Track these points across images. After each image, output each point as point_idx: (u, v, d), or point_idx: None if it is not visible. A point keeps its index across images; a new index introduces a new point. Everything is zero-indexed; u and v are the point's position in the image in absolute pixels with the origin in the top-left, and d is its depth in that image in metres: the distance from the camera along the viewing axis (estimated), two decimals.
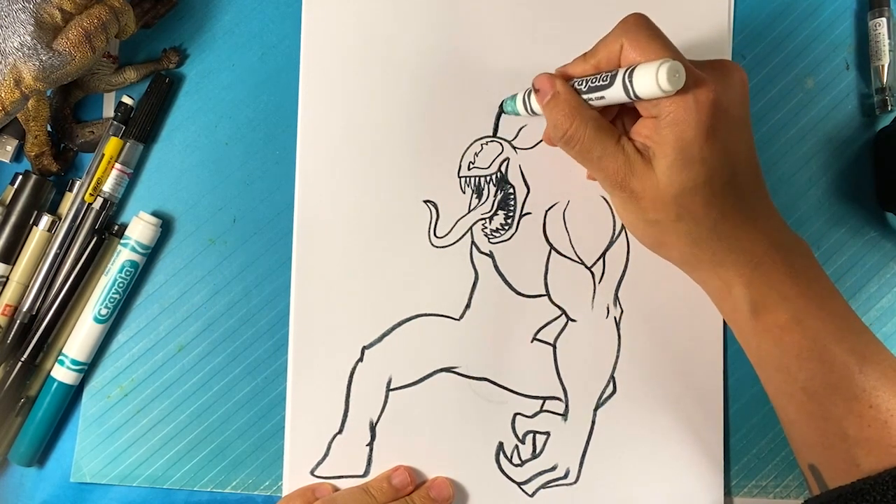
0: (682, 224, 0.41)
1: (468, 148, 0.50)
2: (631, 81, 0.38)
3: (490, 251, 0.50)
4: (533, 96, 0.44)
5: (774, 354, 0.41)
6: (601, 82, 0.40)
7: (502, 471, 0.49)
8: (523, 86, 0.50)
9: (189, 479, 0.50)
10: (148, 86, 0.51)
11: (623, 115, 0.44)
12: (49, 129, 0.51)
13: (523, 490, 0.49)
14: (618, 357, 0.49)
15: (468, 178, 0.50)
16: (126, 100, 0.51)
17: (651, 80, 0.36)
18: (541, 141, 0.50)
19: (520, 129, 0.50)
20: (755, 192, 0.42)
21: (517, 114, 0.48)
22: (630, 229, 0.44)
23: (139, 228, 0.49)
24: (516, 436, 0.49)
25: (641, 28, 0.40)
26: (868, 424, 0.38)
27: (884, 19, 0.51)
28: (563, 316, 0.50)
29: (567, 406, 0.49)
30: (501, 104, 0.50)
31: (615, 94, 0.39)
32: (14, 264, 0.50)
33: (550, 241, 0.50)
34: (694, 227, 0.41)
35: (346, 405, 0.49)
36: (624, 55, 0.40)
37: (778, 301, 0.40)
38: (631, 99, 0.39)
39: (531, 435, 0.49)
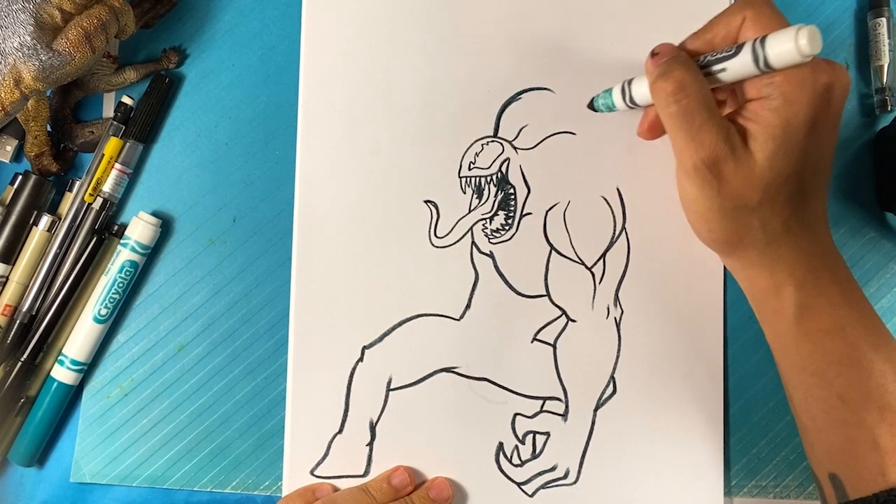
0: (758, 214, 0.40)
1: (469, 148, 0.50)
2: (763, 48, 0.37)
3: (490, 251, 0.50)
4: (633, 85, 0.44)
5: (813, 359, 0.41)
6: (723, 54, 0.39)
7: (502, 471, 0.49)
8: (523, 85, 0.50)
9: (189, 479, 0.50)
10: (148, 86, 0.51)
11: (722, 105, 0.43)
12: (49, 129, 0.51)
13: (523, 490, 0.49)
14: (618, 357, 0.49)
15: (469, 179, 0.50)
16: (126, 100, 0.51)
17: (790, 43, 0.35)
18: (542, 141, 0.50)
19: (520, 130, 0.50)
20: (823, 195, 0.42)
21: (612, 108, 0.47)
22: (697, 217, 0.42)
23: (139, 228, 0.49)
24: (516, 436, 0.49)
25: (766, 4, 0.39)
26: None
27: (884, 19, 0.51)
28: (564, 316, 0.50)
29: (567, 406, 0.49)
30: (591, 102, 0.48)
31: (739, 65, 0.38)
32: (14, 264, 0.50)
33: (551, 241, 0.50)
34: (770, 219, 0.40)
35: (346, 405, 0.49)
36: (745, 27, 0.39)
37: (825, 306, 0.40)
38: (758, 69, 0.37)
39: (531, 435, 0.49)
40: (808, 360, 0.41)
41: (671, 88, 0.39)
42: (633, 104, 0.45)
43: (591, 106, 0.49)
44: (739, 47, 0.38)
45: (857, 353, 0.40)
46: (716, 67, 0.40)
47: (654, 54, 0.42)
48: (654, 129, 0.46)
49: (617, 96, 0.46)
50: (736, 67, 0.39)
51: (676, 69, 0.39)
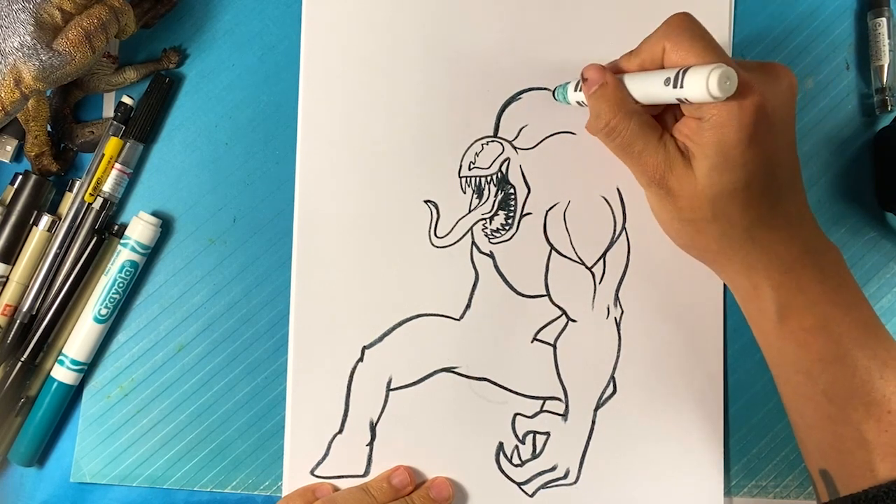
0: (716, 225, 0.41)
1: (469, 148, 0.50)
2: (682, 85, 0.37)
3: (490, 251, 0.50)
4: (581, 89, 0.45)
5: (797, 357, 0.41)
6: (652, 80, 0.40)
7: (502, 471, 0.49)
8: (523, 85, 0.50)
9: (189, 479, 0.50)
10: (148, 86, 0.51)
11: (665, 113, 0.44)
12: (49, 129, 0.51)
13: (523, 490, 0.49)
14: (618, 357, 0.49)
15: (469, 178, 0.50)
16: (126, 100, 0.51)
17: (701, 85, 0.36)
18: (542, 141, 0.50)
19: (521, 129, 0.50)
20: (792, 196, 0.42)
21: (567, 102, 0.48)
22: (663, 227, 0.45)
23: (139, 228, 0.49)
24: (516, 436, 0.49)
25: (684, 30, 0.40)
26: (885, 429, 0.38)
27: (884, 19, 0.51)
28: (564, 316, 0.50)
29: (567, 406, 0.49)
30: (553, 91, 0.50)
31: (663, 94, 0.39)
32: (14, 264, 0.50)
33: (551, 241, 0.50)
34: (729, 229, 0.41)
35: (346, 405, 0.49)
36: (667, 57, 0.40)
37: (805, 305, 0.40)
38: (679, 101, 0.38)
39: (531, 435, 0.49)
40: (793, 359, 0.41)
41: (604, 130, 0.42)
42: (583, 104, 0.46)
43: (553, 94, 0.50)
44: (665, 80, 0.39)
45: (841, 349, 0.40)
46: (641, 95, 0.41)
47: (583, 79, 0.43)
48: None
49: (570, 93, 0.47)
50: (660, 98, 0.40)
51: (604, 111, 0.42)
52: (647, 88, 0.41)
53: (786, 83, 0.41)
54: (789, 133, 0.41)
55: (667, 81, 0.38)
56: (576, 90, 0.46)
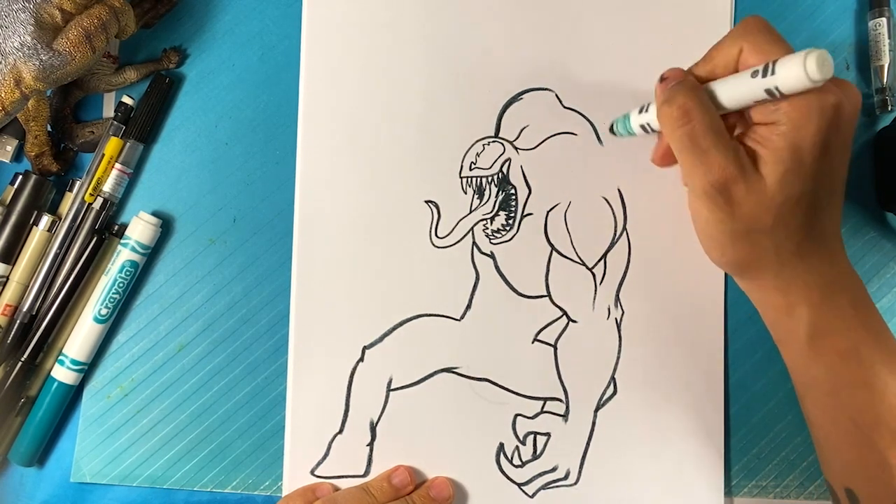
0: (771, 237, 0.39)
1: (470, 148, 0.50)
2: (773, 75, 0.36)
3: (491, 252, 0.50)
4: (649, 111, 0.43)
5: (826, 380, 0.41)
6: (732, 80, 0.39)
7: (502, 471, 0.49)
8: (525, 86, 0.50)
9: (189, 479, 0.50)
10: (148, 86, 0.51)
11: (733, 123, 0.42)
12: (49, 129, 0.51)
13: (523, 491, 0.49)
14: (618, 358, 0.49)
15: (469, 179, 0.50)
16: (126, 100, 0.51)
17: (798, 69, 0.35)
18: (543, 142, 0.50)
19: (521, 130, 0.50)
20: (836, 216, 0.41)
21: (631, 133, 0.46)
22: (708, 240, 0.42)
23: (139, 228, 0.49)
24: (517, 436, 0.49)
25: (762, 31, 0.39)
26: None
27: (884, 19, 0.51)
28: (564, 317, 0.50)
29: (568, 407, 0.49)
30: (611, 126, 0.48)
31: (747, 92, 0.38)
32: (14, 264, 0.50)
33: (552, 241, 0.50)
34: (783, 241, 0.39)
35: (346, 405, 0.49)
36: (744, 59, 0.39)
37: (839, 329, 0.40)
38: (768, 96, 0.37)
39: (532, 436, 0.49)
40: (822, 381, 0.41)
41: (676, 114, 0.39)
42: (650, 129, 0.44)
43: (611, 130, 0.48)
44: (753, 73, 0.37)
45: (871, 375, 0.39)
46: (724, 94, 0.39)
47: (662, 79, 0.41)
48: (668, 157, 0.44)
49: (634, 122, 0.45)
50: (744, 94, 0.38)
51: (680, 95, 0.39)
52: (731, 86, 0.39)
53: (854, 99, 0.39)
54: (849, 149, 0.40)
55: (754, 73, 0.37)
56: (640, 112, 0.44)
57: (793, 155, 0.37)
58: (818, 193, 0.39)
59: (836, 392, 0.40)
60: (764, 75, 0.36)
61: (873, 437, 0.39)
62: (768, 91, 0.37)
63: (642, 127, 0.44)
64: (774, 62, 0.36)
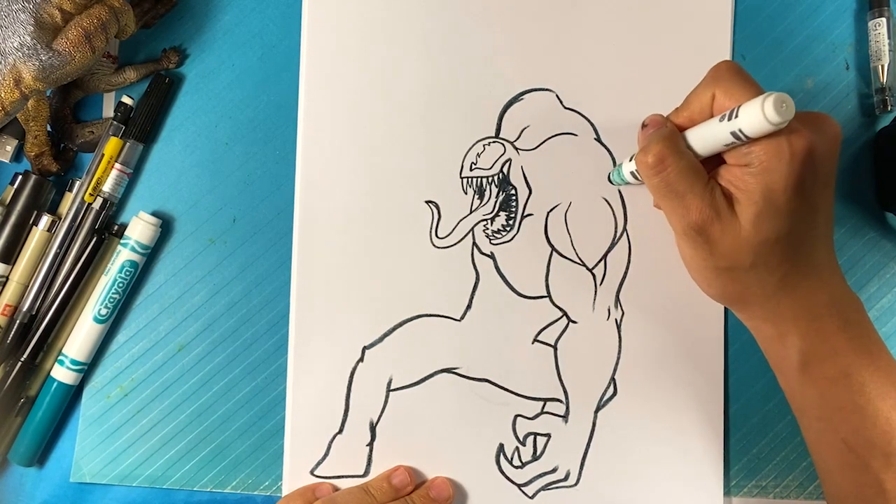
0: (753, 274, 0.40)
1: (470, 148, 0.50)
2: (737, 117, 0.37)
3: (491, 252, 0.50)
4: (634, 161, 0.44)
5: (819, 405, 0.41)
6: (703, 127, 0.40)
7: (502, 472, 0.49)
8: (525, 86, 0.50)
9: (189, 479, 0.50)
10: (148, 86, 0.51)
11: (711, 166, 0.43)
12: (49, 128, 0.51)
13: (523, 492, 0.49)
14: (619, 359, 0.49)
15: (470, 179, 0.50)
16: (126, 100, 0.51)
17: (757, 112, 0.35)
18: (543, 142, 0.50)
19: (522, 131, 0.50)
20: (826, 246, 0.41)
21: (626, 182, 0.47)
22: (694, 274, 0.44)
23: (139, 228, 0.49)
24: (517, 437, 0.49)
25: (733, 75, 0.40)
26: None
27: (884, 19, 0.51)
28: (564, 317, 0.50)
29: (568, 408, 0.49)
30: (609, 176, 0.49)
31: (717, 137, 0.39)
32: (14, 264, 0.50)
33: (552, 242, 0.50)
34: (766, 277, 0.40)
35: (346, 405, 0.49)
36: (717, 104, 0.40)
37: (829, 355, 0.40)
38: (736, 139, 0.38)
39: (532, 437, 0.49)
40: (815, 406, 0.42)
41: (651, 161, 0.40)
42: (637, 177, 0.45)
43: (609, 180, 0.50)
44: (721, 118, 0.38)
45: (863, 399, 0.40)
46: (696, 140, 0.40)
47: (643, 126, 0.43)
48: None
49: (626, 171, 0.46)
50: (715, 139, 0.39)
51: (654, 143, 0.40)
52: (702, 131, 0.40)
53: (831, 134, 0.40)
54: (831, 183, 0.41)
55: (721, 118, 0.38)
56: (630, 161, 0.46)
57: (765, 196, 0.38)
58: (798, 231, 0.39)
59: (829, 417, 0.41)
60: (730, 119, 0.37)
61: (867, 459, 0.40)
62: (734, 135, 0.37)
63: (632, 174, 0.46)
64: (739, 107, 0.37)
